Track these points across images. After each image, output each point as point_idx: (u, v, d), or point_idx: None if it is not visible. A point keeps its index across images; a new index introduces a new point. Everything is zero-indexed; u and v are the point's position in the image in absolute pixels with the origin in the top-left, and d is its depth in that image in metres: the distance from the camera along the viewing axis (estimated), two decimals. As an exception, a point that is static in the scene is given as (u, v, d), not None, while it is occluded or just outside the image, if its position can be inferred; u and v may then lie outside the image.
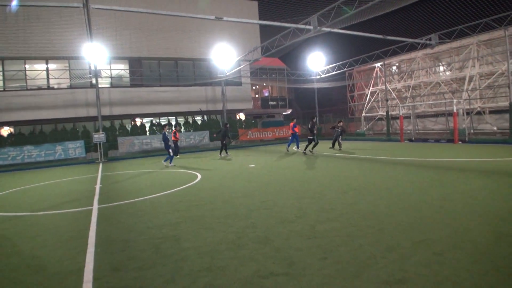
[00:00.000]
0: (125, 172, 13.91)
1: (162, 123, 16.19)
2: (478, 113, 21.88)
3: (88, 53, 19.42)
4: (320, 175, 9.99)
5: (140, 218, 6.27)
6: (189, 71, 27.04)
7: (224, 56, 23.58)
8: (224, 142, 17.99)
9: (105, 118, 22.75)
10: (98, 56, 19.82)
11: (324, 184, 8.44)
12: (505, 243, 4.07)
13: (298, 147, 18.85)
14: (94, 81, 21.18)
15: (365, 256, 3.94)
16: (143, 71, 25.24)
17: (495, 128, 20.72)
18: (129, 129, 24.59)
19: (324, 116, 32.62)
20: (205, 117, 27.25)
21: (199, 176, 11.29)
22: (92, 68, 21.11)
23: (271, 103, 37.76)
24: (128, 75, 24.80)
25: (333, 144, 18.46)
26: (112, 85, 24.24)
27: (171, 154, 14.81)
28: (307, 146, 16.60)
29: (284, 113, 39.56)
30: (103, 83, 23.67)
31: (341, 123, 18.53)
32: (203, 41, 26.03)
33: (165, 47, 25.14)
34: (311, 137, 16.24)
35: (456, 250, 3.96)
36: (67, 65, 22.72)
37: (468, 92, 21.64)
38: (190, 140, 24.62)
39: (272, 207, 6.46)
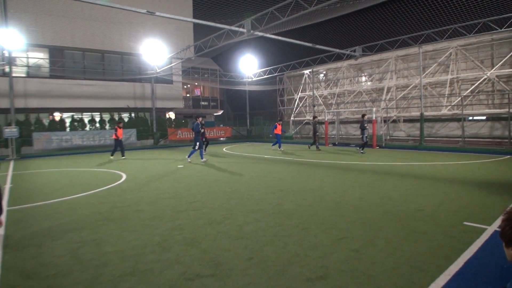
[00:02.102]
0: (40, 171, 12.75)
1: (197, 117, 14.51)
2: (394, 121, 23.91)
3: (2, 38, 17.51)
4: (248, 176, 10.12)
5: (56, 221, 5.79)
6: (116, 65, 25.69)
7: (155, 52, 22.80)
8: (204, 140, 17.06)
9: (18, 110, 20.58)
10: (14, 42, 17.95)
11: (252, 185, 8.58)
12: (413, 239, 4.50)
13: (279, 146, 18.93)
14: (7, 69, 19.10)
15: (289, 254, 4.08)
16: (65, 62, 23.40)
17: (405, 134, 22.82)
18: (46, 124, 22.59)
19: (254, 118, 33.17)
20: (133, 115, 26.07)
21: (124, 176, 10.76)
22: (6, 54, 19.04)
23: (203, 103, 37.41)
24: (48, 65, 22.81)
25: (315, 143, 18.85)
26: (29, 75, 22.08)
27: (196, 148, 13.60)
28: (363, 146, 16.31)
29: (215, 114, 39.44)
30: (18, 72, 21.42)
31: (317, 118, 18.98)
32: (133, 35, 24.91)
33: (91, 37, 23.58)
34: (362, 135, 16.24)
35: (371, 246, 4.29)
36: (-25, 49, 20.22)
37: (386, 101, 23.57)
38: (116, 138, 23.35)
39: (200, 208, 6.40)
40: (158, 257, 4.13)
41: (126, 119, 25.54)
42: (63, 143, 21.36)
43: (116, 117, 25.19)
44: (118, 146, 16.14)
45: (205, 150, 17.51)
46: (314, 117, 19.50)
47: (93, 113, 25.11)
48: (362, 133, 16.28)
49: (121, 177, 10.58)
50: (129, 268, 3.82)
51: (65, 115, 24.23)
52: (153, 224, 5.47)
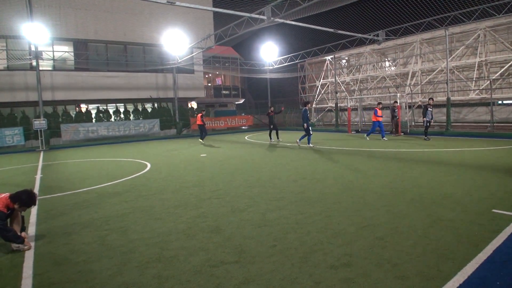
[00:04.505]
0: (68, 162, 13.18)
1: (306, 103, 14.51)
2: (419, 106, 23.27)
3: (28, 33, 18.01)
4: (271, 164, 10.13)
5: (84, 210, 5.99)
6: (139, 57, 26.03)
7: (176, 42, 22.94)
8: (272, 126, 17.21)
9: (46, 103, 21.28)
10: (40, 36, 18.44)
11: (275, 173, 8.58)
12: (439, 227, 4.40)
13: (367, 134, 17.14)
14: (34, 63, 19.70)
15: (312, 242, 4.08)
16: (89, 55, 23.89)
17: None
18: (73, 115, 23.26)
19: (276, 106, 33.01)
20: (156, 105, 26.46)
21: (149, 165, 10.99)
22: (33, 49, 19.60)
23: (224, 92, 37.51)
24: (72, 58, 23.35)
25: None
26: (55, 68, 22.70)
27: (311, 133, 14.04)
28: (426, 132, 15.44)
29: (236, 103, 39.49)
30: (45, 65, 22.06)
31: (397, 104, 18.07)
32: (154, 26, 25.10)
33: (114, 30, 23.91)
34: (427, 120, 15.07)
35: (396, 234, 4.22)
36: (4, 44, 20.85)
37: (411, 87, 22.94)
38: (140, 129, 23.85)
39: (224, 197, 6.47)
40: (183, 244, 4.22)
41: (149, 110, 25.97)
42: (90, 134, 21.96)
43: (140, 107, 25.65)
44: (202, 131, 18.27)
45: (276, 137, 17.73)
46: (395, 102, 18.27)
47: (117, 104, 25.65)
48: (428, 117, 14.96)
49: (145, 166, 10.81)
50: (155, 255, 3.92)
51: (90, 106, 24.86)
52: (178, 212, 5.58)
